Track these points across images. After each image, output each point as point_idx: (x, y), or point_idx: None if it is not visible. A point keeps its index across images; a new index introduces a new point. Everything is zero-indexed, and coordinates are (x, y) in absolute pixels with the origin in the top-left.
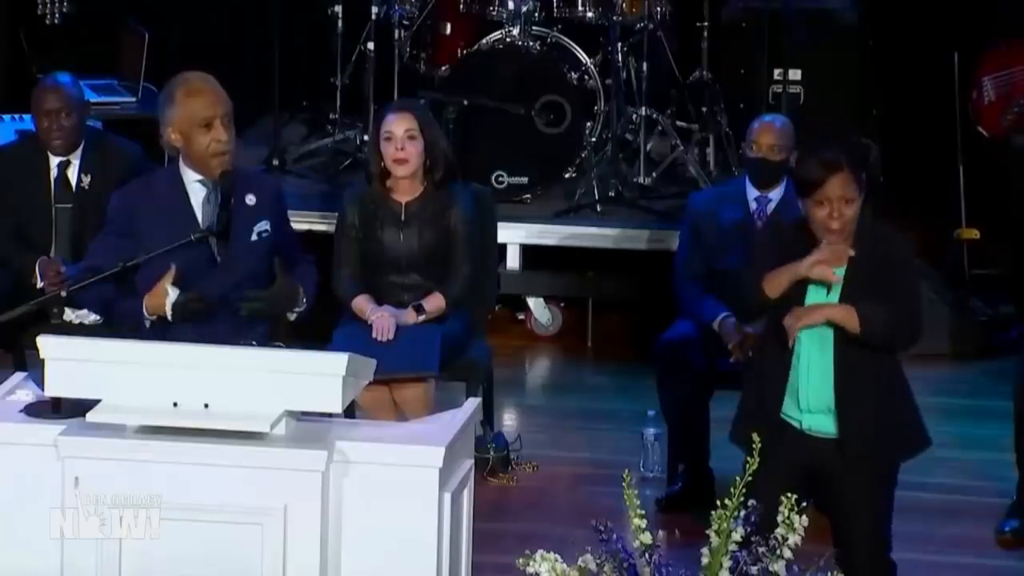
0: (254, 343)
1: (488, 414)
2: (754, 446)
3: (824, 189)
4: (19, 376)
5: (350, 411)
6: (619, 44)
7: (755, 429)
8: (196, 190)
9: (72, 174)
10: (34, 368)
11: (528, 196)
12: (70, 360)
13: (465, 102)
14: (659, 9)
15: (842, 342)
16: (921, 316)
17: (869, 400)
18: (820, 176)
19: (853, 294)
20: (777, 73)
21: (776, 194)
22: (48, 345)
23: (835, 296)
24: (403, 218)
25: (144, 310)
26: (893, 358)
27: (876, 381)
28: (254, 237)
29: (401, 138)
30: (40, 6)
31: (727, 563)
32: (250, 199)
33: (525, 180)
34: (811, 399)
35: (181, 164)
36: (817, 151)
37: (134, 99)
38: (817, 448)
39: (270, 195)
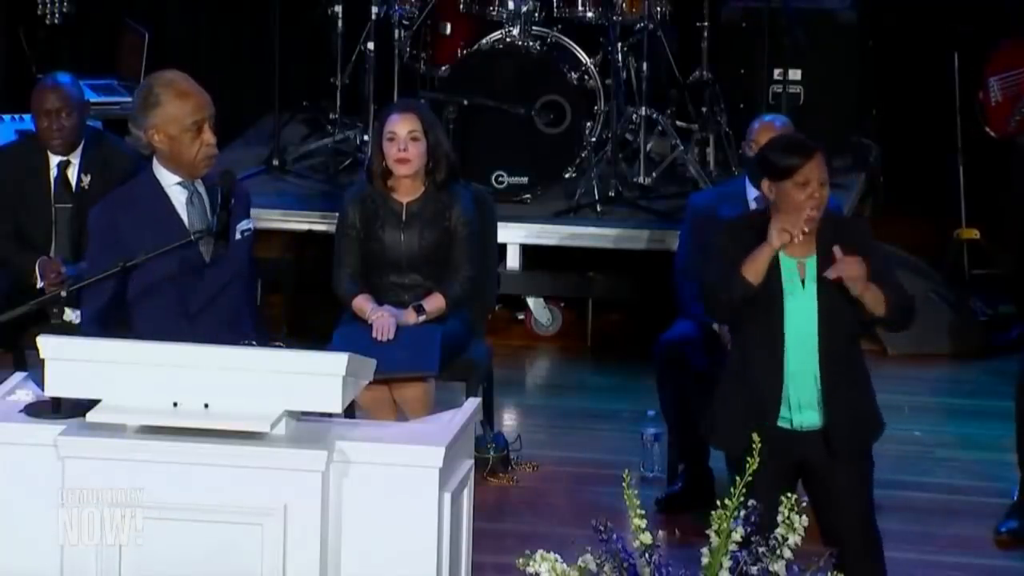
0: (254, 343)
1: (488, 414)
2: (754, 446)
3: (804, 170)
4: (19, 376)
5: (350, 411)
6: (619, 44)
7: (750, 435)
8: (176, 192)
9: (72, 174)
10: (34, 368)
11: (528, 196)
12: (70, 360)
13: (465, 102)
14: (659, 9)
15: (826, 337)
16: (914, 297)
17: (848, 393)
18: (799, 160)
19: (829, 285)
20: (777, 73)
21: None
22: (48, 345)
23: (811, 288)
24: (404, 218)
25: None
26: (859, 348)
27: (852, 372)
28: (238, 236)
29: (404, 139)
30: (40, 6)
31: (727, 563)
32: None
33: (525, 180)
34: (801, 396)
35: (156, 167)
36: (786, 139)
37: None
38: (803, 443)
39: (244, 198)
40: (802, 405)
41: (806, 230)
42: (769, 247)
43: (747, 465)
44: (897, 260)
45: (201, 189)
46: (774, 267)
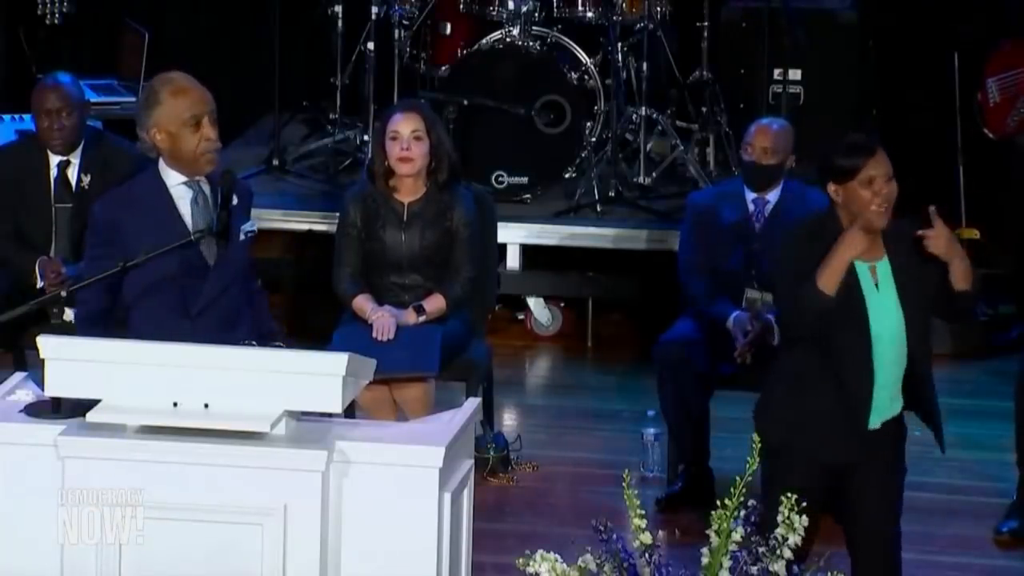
0: (254, 343)
1: (488, 414)
2: (754, 446)
3: (868, 168)
4: (19, 376)
5: (350, 411)
6: (619, 44)
7: (836, 441)
8: (181, 192)
9: (72, 174)
10: (34, 368)
11: (528, 196)
12: (70, 360)
13: (465, 102)
14: (659, 9)
15: (912, 337)
16: None
17: (931, 388)
18: (862, 158)
19: (906, 285)
20: (777, 73)
21: (773, 196)
22: (48, 345)
23: (887, 290)
24: (405, 218)
25: None
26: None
27: (929, 370)
28: (241, 237)
29: (407, 138)
30: (40, 6)
31: (727, 563)
32: (234, 199)
33: (525, 180)
34: (883, 397)
35: (162, 166)
36: (846, 141)
37: (134, 99)
38: (867, 439)
39: (247, 198)
40: (881, 406)
41: (882, 224)
42: (841, 257)
43: (747, 465)
44: None
45: (206, 189)
46: (851, 272)
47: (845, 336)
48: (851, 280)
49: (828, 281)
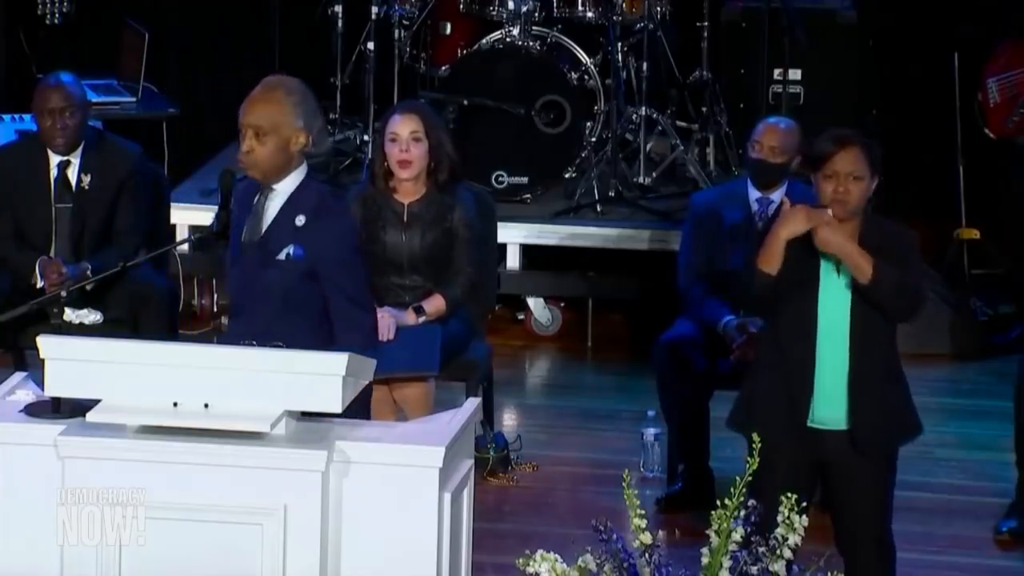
0: (254, 343)
1: (488, 414)
2: (754, 446)
3: (833, 162)
4: (19, 376)
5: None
6: (619, 44)
7: (778, 429)
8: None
9: (72, 174)
10: (34, 368)
11: (528, 196)
12: (70, 360)
13: (465, 102)
14: (659, 9)
15: (858, 331)
16: (925, 296)
17: (878, 389)
18: (830, 149)
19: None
20: (777, 73)
21: (777, 196)
22: (48, 345)
23: (846, 279)
24: (405, 219)
25: None
26: (895, 345)
27: (883, 369)
28: (281, 256)
29: (406, 140)
30: (40, 6)
31: (727, 563)
32: (300, 220)
33: (525, 180)
34: (827, 391)
35: None
36: (832, 130)
37: (134, 99)
38: (826, 440)
39: (330, 232)
40: (830, 399)
41: (836, 213)
42: (776, 235)
43: (747, 465)
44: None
45: (272, 192)
46: (813, 257)
47: (792, 321)
48: (812, 265)
49: (765, 259)
